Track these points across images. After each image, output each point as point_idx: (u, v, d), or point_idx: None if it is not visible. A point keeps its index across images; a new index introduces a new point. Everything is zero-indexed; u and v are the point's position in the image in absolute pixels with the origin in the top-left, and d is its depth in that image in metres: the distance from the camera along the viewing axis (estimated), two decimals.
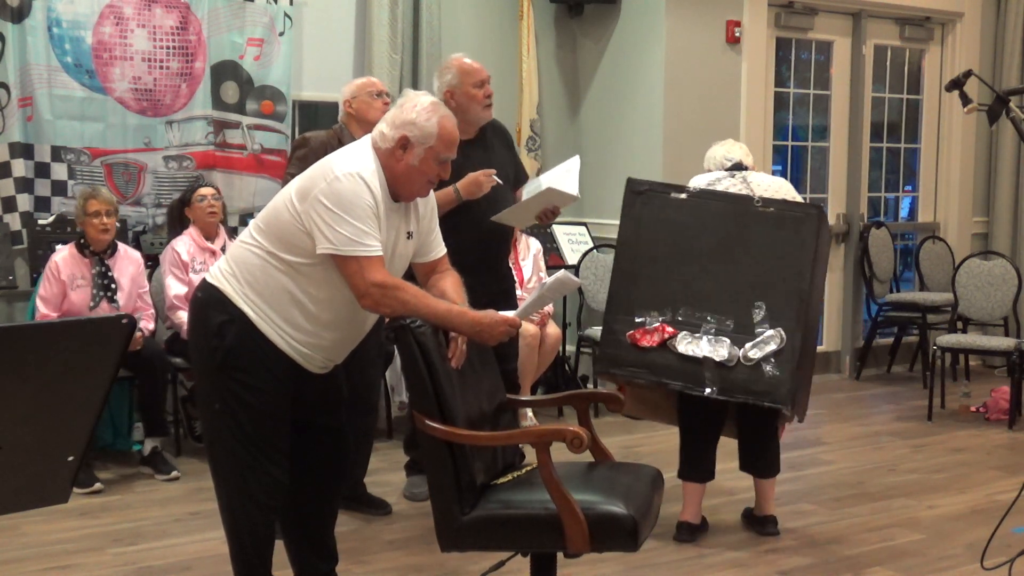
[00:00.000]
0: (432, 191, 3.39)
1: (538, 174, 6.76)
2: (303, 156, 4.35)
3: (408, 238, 3.29)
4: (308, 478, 3.43)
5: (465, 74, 4.52)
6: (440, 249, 3.45)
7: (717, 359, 4.13)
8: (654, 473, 3.36)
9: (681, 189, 4.39)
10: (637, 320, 4.26)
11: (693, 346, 4.17)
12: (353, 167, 3.12)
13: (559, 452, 3.05)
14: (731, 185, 4.45)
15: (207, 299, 3.26)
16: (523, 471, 3.29)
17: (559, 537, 2.99)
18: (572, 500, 2.97)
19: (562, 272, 3.43)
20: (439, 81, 4.57)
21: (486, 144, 4.63)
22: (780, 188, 4.51)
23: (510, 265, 4.95)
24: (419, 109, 3.19)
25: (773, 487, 4.53)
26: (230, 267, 3.26)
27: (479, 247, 4.41)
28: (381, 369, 4.97)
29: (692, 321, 4.21)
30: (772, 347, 4.13)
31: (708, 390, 4.15)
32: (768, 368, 4.12)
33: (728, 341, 4.15)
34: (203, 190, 5.71)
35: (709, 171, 4.61)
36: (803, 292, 4.19)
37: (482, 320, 3.17)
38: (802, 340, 4.17)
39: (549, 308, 6.41)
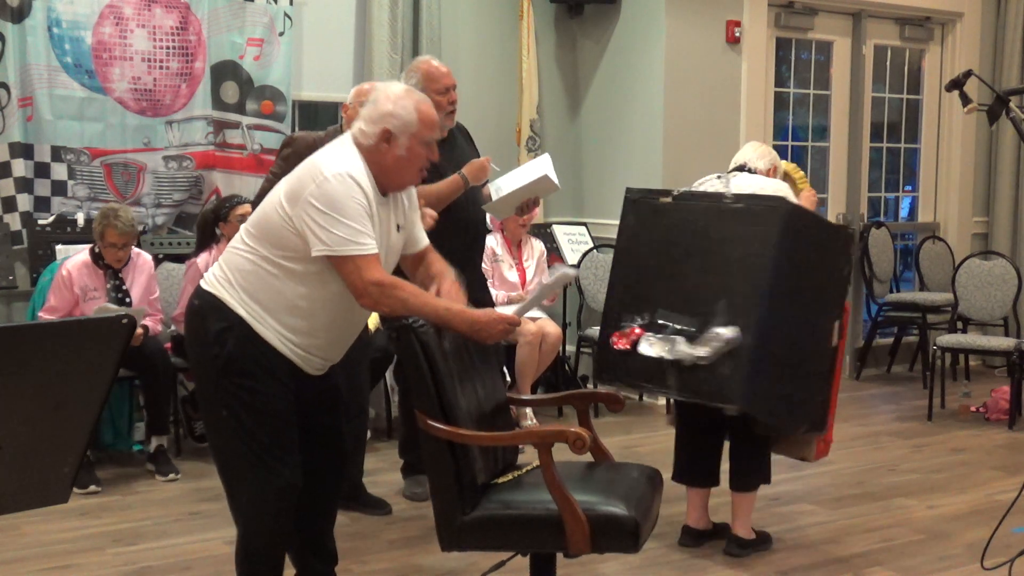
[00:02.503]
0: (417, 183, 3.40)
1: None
2: (287, 156, 4.29)
3: (397, 230, 3.30)
4: (307, 479, 3.41)
5: (430, 79, 4.47)
6: (424, 239, 3.46)
7: (670, 358, 3.92)
8: (653, 474, 3.36)
9: (667, 193, 4.23)
10: (622, 325, 4.12)
11: (649, 347, 4.00)
12: (341, 167, 3.10)
13: (558, 452, 3.04)
14: (711, 186, 4.33)
15: (204, 306, 3.24)
16: (523, 471, 3.29)
17: (560, 537, 2.99)
18: (574, 501, 2.97)
19: (558, 267, 3.44)
20: (404, 82, 4.55)
21: (454, 143, 4.67)
22: (764, 188, 4.25)
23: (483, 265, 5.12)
24: (394, 99, 3.18)
25: (745, 503, 4.26)
26: (224, 273, 3.24)
27: (459, 247, 4.42)
28: (370, 371, 4.97)
29: (663, 322, 4.05)
30: (719, 345, 3.84)
31: (669, 391, 4.04)
32: (724, 368, 3.83)
33: (683, 340, 3.94)
34: (243, 208, 5.53)
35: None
36: (762, 289, 3.90)
37: (480, 319, 3.16)
38: (769, 341, 3.88)
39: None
